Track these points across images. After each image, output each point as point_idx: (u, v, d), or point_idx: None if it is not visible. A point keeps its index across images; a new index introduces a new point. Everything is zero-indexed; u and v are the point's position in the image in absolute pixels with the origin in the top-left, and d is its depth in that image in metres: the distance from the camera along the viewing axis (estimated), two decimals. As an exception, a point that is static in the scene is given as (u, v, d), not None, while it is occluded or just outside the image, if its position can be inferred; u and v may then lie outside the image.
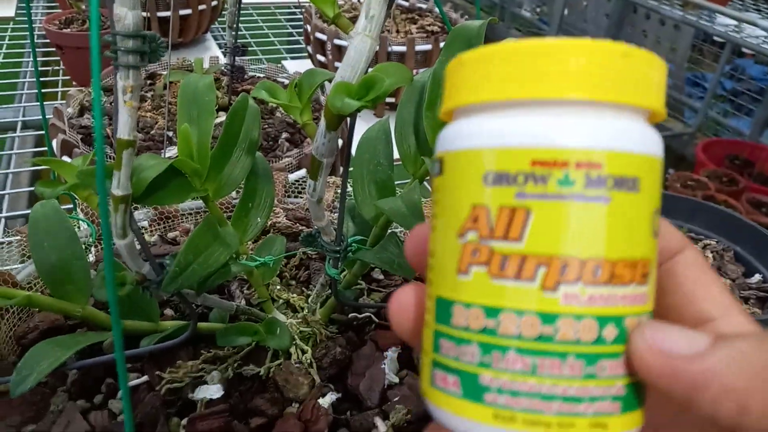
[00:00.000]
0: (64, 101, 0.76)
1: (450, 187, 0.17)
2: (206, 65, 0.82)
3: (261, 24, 1.54)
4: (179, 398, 0.36)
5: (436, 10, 1.18)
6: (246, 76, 0.83)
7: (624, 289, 0.15)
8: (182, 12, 1.20)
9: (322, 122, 0.29)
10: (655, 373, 0.15)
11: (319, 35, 1.06)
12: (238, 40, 0.68)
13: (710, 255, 0.62)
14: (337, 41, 1.03)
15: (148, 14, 1.18)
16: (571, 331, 0.15)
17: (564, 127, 0.15)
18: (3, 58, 1.23)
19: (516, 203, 0.15)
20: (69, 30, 1.05)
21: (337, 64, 1.04)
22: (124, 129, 0.28)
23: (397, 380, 0.39)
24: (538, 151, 0.15)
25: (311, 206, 0.32)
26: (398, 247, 0.35)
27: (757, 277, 0.60)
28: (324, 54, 1.07)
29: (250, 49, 1.40)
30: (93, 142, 0.68)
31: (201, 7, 1.21)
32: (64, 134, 0.65)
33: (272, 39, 1.44)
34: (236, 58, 0.70)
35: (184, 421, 0.34)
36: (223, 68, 0.77)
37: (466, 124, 0.17)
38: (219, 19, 1.44)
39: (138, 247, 0.32)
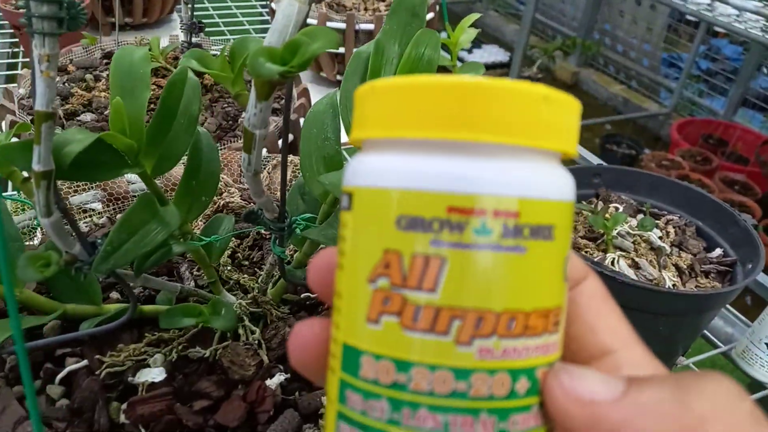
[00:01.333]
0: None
1: (360, 225, 0.16)
2: (165, 43, 0.80)
3: (228, 2, 1.51)
4: (120, 382, 0.35)
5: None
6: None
7: (537, 340, 0.15)
8: (146, -9, 1.17)
9: (253, 92, 0.27)
10: (577, 421, 0.15)
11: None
12: (203, 18, 0.66)
13: (672, 230, 0.62)
14: (303, 19, 1.01)
15: (110, -7, 1.15)
16: (484, 387, 0.14)
17: (482, 172, 0.14)
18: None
19: (431, 251, 0.14)
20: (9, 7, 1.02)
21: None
22: (41, 100, 0.27)
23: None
24: (454, 197, 0.14)
25: (248, 181, 0.31)
26: (343, 223, 0.34)
27: (717, 251, 0.60)
28: (291, 33, 1.05)
29: (216, 27, 1.37)
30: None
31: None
32: (14, 115, 0.63)
33: (240, 18, 1.41)
34: (193, 35, 0.67)
35: (124, 405, 0.33)
36: (180, 46, 0.75)
37: (378, 159, 0.16)
38: (186, -1, 1.41)
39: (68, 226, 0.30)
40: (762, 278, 0.77)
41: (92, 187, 0.51)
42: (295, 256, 0.40)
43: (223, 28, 1.37)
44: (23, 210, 0.49)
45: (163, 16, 1.25)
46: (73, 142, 0.29)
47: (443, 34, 0.77)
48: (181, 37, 0.73)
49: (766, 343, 0.61)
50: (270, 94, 0.27)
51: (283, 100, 0.79)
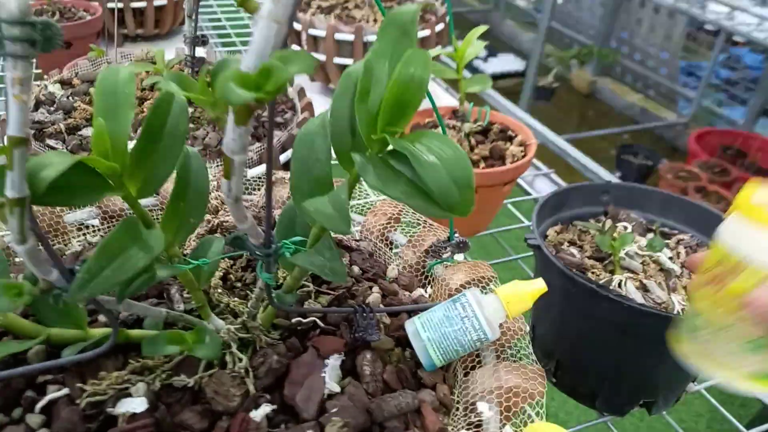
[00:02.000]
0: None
1: None
2: (171, 56, 0.79)
3: (242, 14, 1.51)
4: (101, 412, 0.34)
5: (416, -2, 1.15)
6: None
7: None
8: (157, 3, 1.18)
9: (231, 116, 0.26)
10: None
11: (294, 25, 1.04)
12: (215, 29, 0.66)
13: (683, 250, 0.60)
14: (312, 31, 1.00)
15: (122, 4, 1.16)
16: None
17: None
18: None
19: None
20: (36, 21, 1.02)
21: (314, 54, 1.01)
22: (14, 125, 0.26)
23: (338, 389, 0.37)
24: None
25: (230, 207, 0.30)
26: (331, 251, 0.33)
27: (732, 273, 0.58)
28: (300, 44, 1.04)
29: (228, 38, 1.37)
30: (45, 138, 0.65)
31: (176, -3, 1.18)
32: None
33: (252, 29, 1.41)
34: (196, 48, 0.67)
35: (103, 437, 0.32)
36: (184, 59, 0.75)
37: None
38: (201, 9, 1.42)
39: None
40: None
41: (88, 205, 0.50)
42: (285, 280, 0.39)
43: (234, 39, 1.37)
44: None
45: (175, 27, 1.25)
46: (49, 166, 0.28)
47: (450, 48, 0.76)
48: (186, 50, 0.72)
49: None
50: (248, 119, 0.26)
51: (287, 113, 0.79)
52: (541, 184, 1.01)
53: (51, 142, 0.66)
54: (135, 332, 0.38)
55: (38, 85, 0.72)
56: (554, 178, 1.01)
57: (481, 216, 0.79)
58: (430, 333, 0.38)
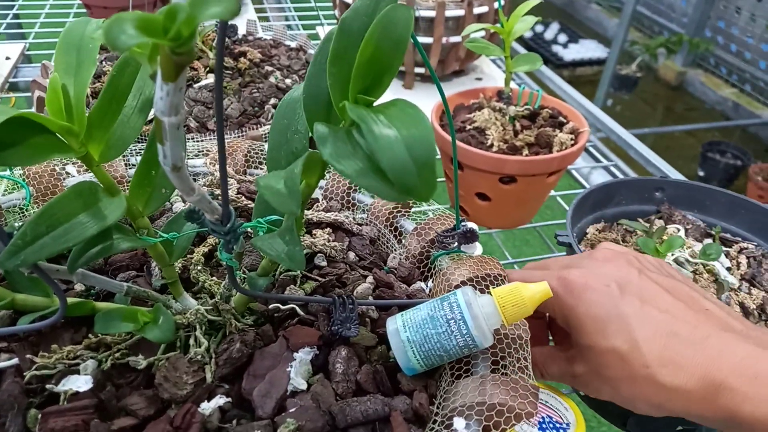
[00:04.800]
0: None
1: None
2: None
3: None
4: (46, 388, 0.32)
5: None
6: (250, 38, 0.78)
7: None
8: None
9: (158, 72, 0.23)
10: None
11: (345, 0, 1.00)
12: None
13: (745, 261, 0.52)
14: None
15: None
16: None
17: None
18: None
19: None
20: (96, -11, 1.04)
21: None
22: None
23: (304, 386, 0.33)
24: None
25: (170, 177, 0.26)
26: (292, 233, 0.29)
27: (800, 291, 0.50)
28: (334, 7, 1.00)
29: (288, 14, 1.35)
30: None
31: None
32: (43, 92, 0.63)
33: (311, 4, 1.38)
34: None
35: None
36: (214, 28, 0.72)
37: None
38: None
39: None
40: None
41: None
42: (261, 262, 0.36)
43: (294, 13, 1.35)
44: (17, 189, 0.47)
45: None
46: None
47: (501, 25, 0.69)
48: (257, 23, 0.70)
49: None
50: (178, 74, 0.23)
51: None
52: (600, 177, 0.93)
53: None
54: (102, 305, 0.36)
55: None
56: (614, 171, 0.93)
57: (523, 208, 0.73)
58: (411, 333, 0.33)
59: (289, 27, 1.28)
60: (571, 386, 0.42)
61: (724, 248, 0.54)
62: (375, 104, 0.28)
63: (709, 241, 0.55)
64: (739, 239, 0.56)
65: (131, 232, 0.34)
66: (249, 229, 0.36)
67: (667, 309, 0.36)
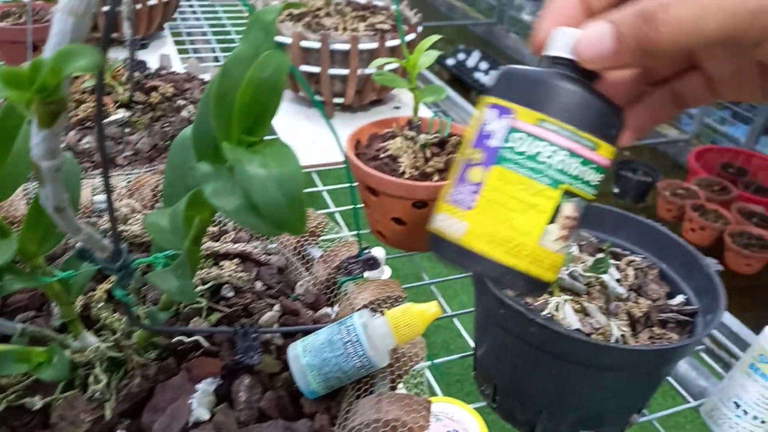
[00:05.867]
0: None
1: None
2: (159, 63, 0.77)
3: (221, 16, 1.50)
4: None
5: (393, 7, 1.13)
6: (163, 72, 0.79)
7: None
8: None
9: (34, 118, 0.24)
10: None
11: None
12: (192, 28, 0.64)
13: (632, 272, 0.57)
14: (278, 39, 0.98)
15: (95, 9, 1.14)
16: None
17: None
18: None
19: None
20: (4, 24, 1.01)
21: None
22: None
23: (207, 417, 0.34)
24: None
25: (54, 219, 0.27)
26: (183, 268, 0.30)
27: (680, 298, 0.54)
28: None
29: (209, 46, 1.36)
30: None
31: (151, 2, 1.17)
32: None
33: (232, 34, 1.39)
34: (135, 51, 0.65)
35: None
36: (124, 63, 0.73)
37: None
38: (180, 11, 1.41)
39: None
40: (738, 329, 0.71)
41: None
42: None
43: (215, 45, 1.36)
44: None
45: (151, 32, 1.24)
46: None
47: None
48: (174, 57, 0.70)
49: (735, 402, 0.54)
50: (54, 121, 0.24)
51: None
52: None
53: None
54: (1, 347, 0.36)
55: None
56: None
57: (436, 231, 0.76)
58: (310, 358, 0.35)
59: (216, 59, 1.28)
60: None
61: (614, 261, 0.59)
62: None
63: (600, 255, 0.60)
64: (627, 252, 0.60)
65: (25, 273, 0.34)
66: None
67: None
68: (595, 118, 0.29)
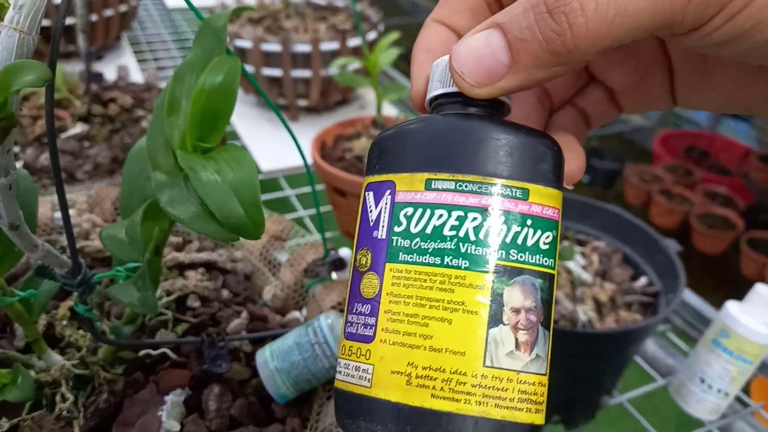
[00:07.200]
0: None
1: None
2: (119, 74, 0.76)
3: (181, 24, 1.49)
4: None
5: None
6: (121, 83, 0.78)
7: None
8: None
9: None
10: None
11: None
12: (154, 40, 0.63)
13: (596, 258, 0.58)
14: (238, 42, 0.98)
15: (50, 22, 1.12)
16: None
17: None
18: None
19: None
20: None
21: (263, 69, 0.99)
22: None
23: (177, 428, 0.33)
24: None
25: (10, 236, 0.27)
26: (144, 280, 0.30)
27: (643, 280, 0.56)
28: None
29: (169, 55, 1.34)
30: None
31: (107, 12, 1.15)
32: None
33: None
34: (91, 63, 0.64)
35: None
36: (80, 76, 0.72)
37: None
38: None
39: None
40: (704, 308, 0.73)
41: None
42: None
43: (176, 55, 1.34)
44: None
45: (108, 42, 1.22)
46: None
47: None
48: (133, 67, 0.69)
49: (700, 378, 0.56)
50: (3, 138, 0.24)
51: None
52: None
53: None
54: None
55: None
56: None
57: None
58: (279, 362, 0.35)
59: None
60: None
61: (579, 247, 0.60)
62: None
63: (565, 243, 0.61)
64: (592, 238, 0.62)
65: (-17, 294, 0.34)
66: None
67: None
68: (510, 157, 0.20)
